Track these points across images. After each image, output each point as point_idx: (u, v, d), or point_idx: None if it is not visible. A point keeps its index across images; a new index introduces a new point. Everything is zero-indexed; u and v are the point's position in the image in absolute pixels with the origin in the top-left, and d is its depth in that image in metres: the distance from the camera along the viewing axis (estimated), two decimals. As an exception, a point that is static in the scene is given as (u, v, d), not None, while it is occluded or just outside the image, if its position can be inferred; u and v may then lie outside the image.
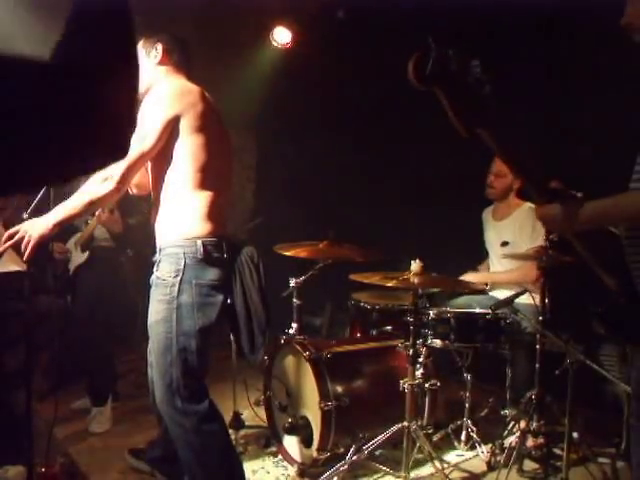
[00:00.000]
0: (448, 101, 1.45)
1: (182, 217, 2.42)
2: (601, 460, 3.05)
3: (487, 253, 4.02)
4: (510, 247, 3.64)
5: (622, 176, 1.83)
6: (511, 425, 3.31)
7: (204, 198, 2.41)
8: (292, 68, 5.61)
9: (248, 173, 6.25)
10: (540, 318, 3.06)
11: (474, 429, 3.32)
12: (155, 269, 2.45)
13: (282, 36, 5.64)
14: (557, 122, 4.16)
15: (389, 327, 3.51)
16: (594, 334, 3.60)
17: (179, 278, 2.37)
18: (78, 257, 3.74)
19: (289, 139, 5.81)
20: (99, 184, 2.34)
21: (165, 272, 2.39)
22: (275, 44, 5.67)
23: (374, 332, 3.56)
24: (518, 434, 3.10)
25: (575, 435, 3.05)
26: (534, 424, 3.08)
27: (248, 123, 6.11)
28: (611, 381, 3.12)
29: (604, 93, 3.60)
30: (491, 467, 3.12)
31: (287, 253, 3.25)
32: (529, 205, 3.73)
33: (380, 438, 2.93)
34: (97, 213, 3.45)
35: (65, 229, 2.86)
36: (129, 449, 3.11)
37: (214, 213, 2.43)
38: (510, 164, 1.70)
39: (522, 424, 3.17)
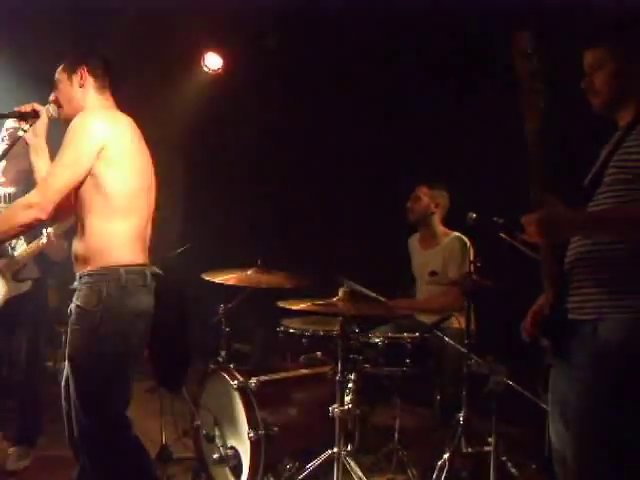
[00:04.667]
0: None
1: (104, 245, 2.35)
2: (526, 476, 3.13)
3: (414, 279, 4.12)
4: (438, 277, 3.72)
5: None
6: (441, 447, 3.34)
7: (126, 226, 2.36)
8: (223, 93, 5.63)
9: (177, 199, 6.17)
10: (465, 341, 3.12)
11: (405, 452, 3.34)
12: (75, 298, 2.37)
13: (213, 62, 5.66)
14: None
15: (319, 353, 3.50)
16: (518, 354, 3.72)
17: (100, 307, 2.29)
18: (11, 287, 3.49)
19: (219, 165, 5.79)
20: (21, 210, 2.26)
21: (86, 301, 2.31)
22: (206, 69, 5.68)
23: (303, 358, 3.55)
24: (447, 456, 3.14)
25: (501, 454, 3.12)
26: (462, 445, 3.12)
27: (178, 148, 6.05)
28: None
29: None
30: (422, 489, 3.14)
31: (216, 280, 3.21)
32: (456, 234, 3.84)
33: (310, 466, 2.91)
34: (42, 240, 3.30)
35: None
36: None
37: (137, 241, 2.38)
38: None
39: (451, 445, 3.21)
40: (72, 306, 2.37)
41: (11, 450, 3.48)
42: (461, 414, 3.11)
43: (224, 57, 5.62)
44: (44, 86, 2.68)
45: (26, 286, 3.47)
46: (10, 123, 3.18)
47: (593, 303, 1.86)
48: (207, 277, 3.23)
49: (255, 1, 4.62)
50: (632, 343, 1.79)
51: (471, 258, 3.52)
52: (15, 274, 3.47)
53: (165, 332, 2.45)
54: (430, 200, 3.93)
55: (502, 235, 3.10)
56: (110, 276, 2.31)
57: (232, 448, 3.03)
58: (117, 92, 2.60)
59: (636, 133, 1.86)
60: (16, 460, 3.44)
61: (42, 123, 2.52)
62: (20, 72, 4.50)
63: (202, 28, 5.15)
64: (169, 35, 4.89)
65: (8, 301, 3.44)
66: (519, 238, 3.06)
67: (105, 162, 2.31)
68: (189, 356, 2.45)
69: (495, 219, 3.12)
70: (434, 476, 3.07)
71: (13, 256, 3.47)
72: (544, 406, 2.95)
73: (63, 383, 2.46)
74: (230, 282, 3.20)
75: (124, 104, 2.57)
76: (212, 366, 3.24)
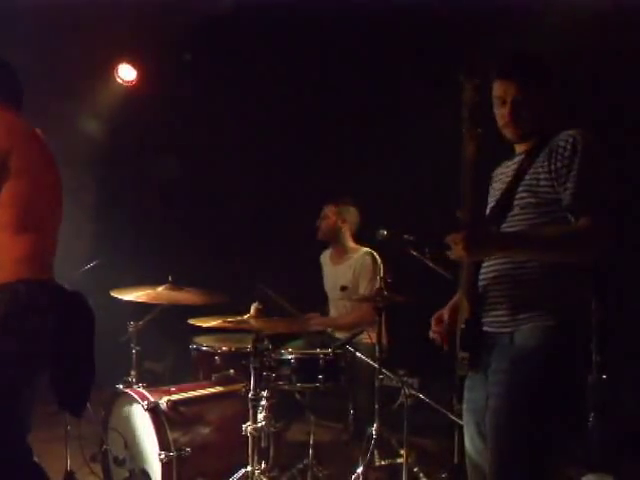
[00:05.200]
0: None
1: (3, 261, 2.24)
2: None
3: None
4: (349, 292, 3.78)
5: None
6: (355, 461, 3.38)
7: (28, 241, 2.26)
8: (136, 106, 5.51)
9: (87, 213, 5.96)
10: (377, 356, 3.18)
11: (319, 468, 3.35)
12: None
13: (127, 73, 5.52)
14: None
15: (231, 371, 3.46)
16: (429, 367, 3.82)
17: None
18: None
19: (131, 179, 5.66)
20: None
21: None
22: (119, 81, 5.53)
23: (216, 377, 3.50)
24: (361, 469, 3.17)
25: (412, 465, 3.19)
26: (376, 458, 3.17)
27: (88, 162, 5.86)
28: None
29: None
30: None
31: (125, 297, 3.13)
32: (366, 250, 3.92)
33: (224, 485, 2.87)
34: None
35: None
36: None
37: (38, 256, 2.28)
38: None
39: (364, 459, 3.25)
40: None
41: None
42: (373, 428, 3.16)
43: (139, 69, 5.51)
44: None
45: None
46: None
47: (510, 317, 1.98)
48: (115, 294, 3.15)
49: (172, 13, 4.58)
50: (545, 346, 1.91)
51: (381, 274, 3.61)
52: None
53: (69, 352, 2.34)
54: (337, 217, 4.02)
55: (412, 252, 3.20)
56: (8, 293, 2.19)
57: (143, 471, 2.95)
58: (19, 101, 2.48)
59: (542, 159, 1.98)
60: None
61: None
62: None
63: (116, 38, 5.03)
64: (80, 44, 4.75)
65: None
66: (428, 255, 3.18)
67: (7, 172, 2.20)
68: (92, 376, 2.35)
69: (406, 236, 3.22)
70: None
71: None
72: (453, 417, 3.05)
73: None
74: (140, 299, 3.13)
75: (30, 115, 2.46)
76: (121, 386, 3.16)
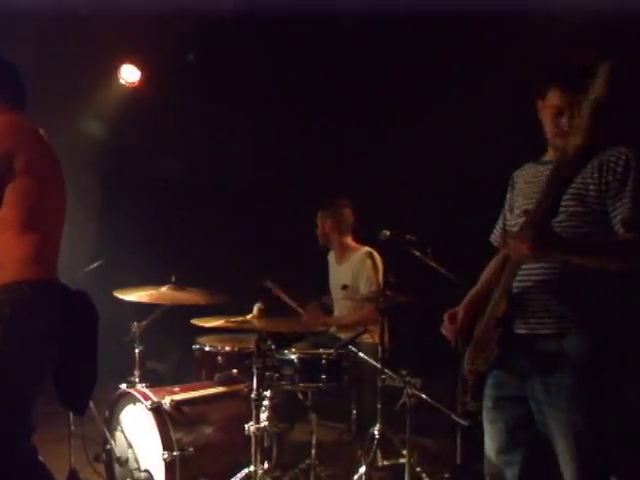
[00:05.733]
0: None
1: (7, 261, 2.24)
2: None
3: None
4: (349, 290, 3.79)
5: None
6: (357, 461, 3.38)
7: (32, 241, 2.26)
8: (139, 107, 5.52)
9: (90, 214, 5.98)
10: (379, 356, 3.18)
11: (321, 468, 3.35)
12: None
13: (130, 74, 5.52)
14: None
15: (234, 371, 3.47)
16: (432, 367, 3.83)
17: (3, 327, 2.18)
18: None
19: (134, 180, 5.67)
20: None
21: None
22: (122, 82, 5.53)
23: (219, 376, 3.50)
24: (364, 470, 3.17)
25: (415, 465, 3.20)
26: (378, 458, 3.18)
27: (91, 162, 5.87)
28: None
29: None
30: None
31: (128, 298, 3.14)
32: (366, 249, 3.93)
33: (226, 485, 2.88)
34: None
35: None
36: None
37: (42, 256, 2.28)
38: None
39: (367, 459, 3.25)
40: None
41: None
42: (376, 428, 3.16)
43: (142, 70, 5.51)
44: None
45: None
46: None
47: (556, 324, 2.03)
48: (119, 294, 3.15)
49: (176, 14, 4.59)
50: (598, 356, 2.00)
51: (382, 273, 3.64)
52: None
53: (73, 352, 2.34)
54: (323, 221, 4.08)
55: (414, 252, 3.21)
56: (13, 293, 2.20)
57: (146, 471, 2.96)
58: (23, 102, 2.49)
59: (591, 171, 2.03)
60: None
61: None
62: None
63: (119, 39, 5.04)
64: (83, 44, 4.76)
65: None
66: (430, 255, 3.19)
67: (12, 173, 2.21)
68: (95, 376, 2.36)
69: (408, 236, 3.23)
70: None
71: None
72: (455, 418, 3.06)
73: None
74: (143, 300, 3.14)
75: (33, 116, 2.46)
76: (125, 386, 3.16)
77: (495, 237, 2.44)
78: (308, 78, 4.89)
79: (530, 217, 1.96)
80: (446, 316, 2.29)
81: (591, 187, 2.02)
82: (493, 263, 2.38)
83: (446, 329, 2.28)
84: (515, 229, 2.15)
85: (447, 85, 4.15)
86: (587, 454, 2.01)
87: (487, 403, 2.19)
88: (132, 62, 5.47)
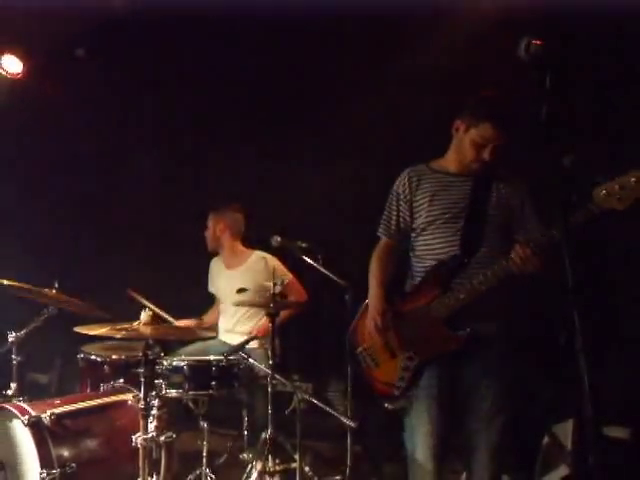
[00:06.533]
0: None
1: None
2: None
3: (213, 302, 4.13)
4: (249, 294, 3.75)
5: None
6: (249, 467, 3.36)
7: None
8: (23, 99, 5.24)
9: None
10: (270, 362, 3.18)
11: (213, 477, 3.31)
12: None
13: (11, 65, 5.25)
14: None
15: (121, 380, 3.35)
16: (321, 372, 3.88)
17: None
18: None
19: (13, 174, 5.36)
20: None
21: None
22: (3, 72, 5.25)
23: (104, 387, 3.37)
24: (256, 475, 3.16)
25: (307, 469, 3.22)
26: (270, 464, 3.17)
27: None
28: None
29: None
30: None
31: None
32: (259, 253, 3.93)
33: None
34: None
35: None
36: None
37: None
38: None
39: (259, 465, 3.24)
40: None
41: None
42: (268, 433, 3.16)
43: (26, 61, 5.23)
44: None
45: None
46: None
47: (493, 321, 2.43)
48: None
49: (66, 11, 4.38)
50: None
51: (278, 273, 3.66)
52: None
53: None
54: (215, 224, 4.06)
55: (305, 258, 3.23)
56: None
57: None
58: None
59: (501, 189, 2.47)
60: None
61: None
62: None
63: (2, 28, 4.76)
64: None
65: None
66: (320, 261, 3.24)
67: None
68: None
69: (299, 243, 3.25)
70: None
71: None
72: (345, 420, 3.12)
73: None
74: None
75: None
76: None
77: (385, 230, 2.63)
78: (200, 77, 4.80)
79: (533, 242, 2.20)
80: (380, 319, 2.52)
81: (503, 202, 2.46)
82: (381, 262, 2.62)
83: (378, 330, 2.52)
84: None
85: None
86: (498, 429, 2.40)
87: (419, 391, 2.46)
88: (14, 53, 5.20)
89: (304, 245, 3.21)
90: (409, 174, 2.56)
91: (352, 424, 3.10)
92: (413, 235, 2.56)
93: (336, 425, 3.63)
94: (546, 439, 3.19)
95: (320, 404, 3.08)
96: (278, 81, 4.39)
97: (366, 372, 2.64)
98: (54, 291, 3.13)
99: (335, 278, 3.15)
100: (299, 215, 4.01)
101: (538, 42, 1.70)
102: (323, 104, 4.17)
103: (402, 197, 2.56)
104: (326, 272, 3.19)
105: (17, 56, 5.18)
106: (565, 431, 3.11)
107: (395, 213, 2.58)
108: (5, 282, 2.99)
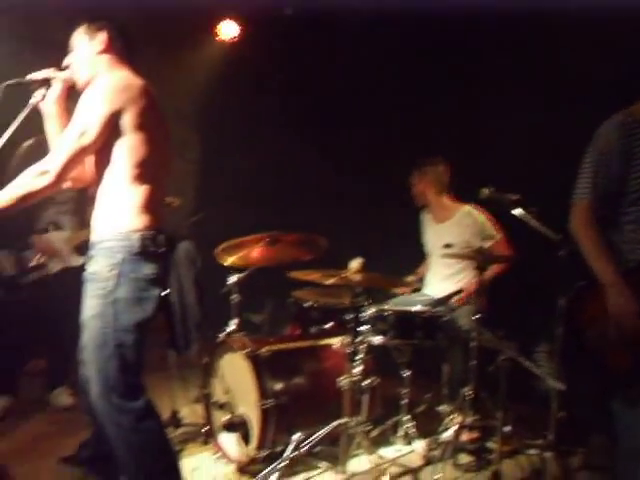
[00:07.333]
0: None
1: (119, 211, 2.36)
2: (531, 452, 3.17)
3: (425, 255, 4.12)
4: (455, 249, 3.71)
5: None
6: (447, 420, 3.37)
7: (141, 192, 2.36)
8: (238, 62, 5.57)
9: (190, 168, 6.14)
10: (476, 316, 3.13)
11: (412, 425, 3.37)
12: (88, 265, 2.38)
13: (229, 30, 5.59)
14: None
15: (329, 325, 3.51)
16: (528, 331, 3.73)
17: (115, 272, 2.31)
18: (69, 258, 3.58)
19: (233, 134, 5.75)
20: (35, 177, 2.26)
21: (100, 266, 2.33)
22: (221, 38, 5.60)
23: (314, 330, 3.56)
24: (454, 429, 3.16)
25: (507, 429, 3.15)
26: (469, 419, 3.15)
27: (192, 117, 6.02)
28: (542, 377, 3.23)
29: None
30: (427, 461, 3.17)
31: (226, 262, 3.24)
32: (467, 208, 3.85)
33: (319, 435, 2.94)
34: None
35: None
36: (60, 458, 2.95)
37: (151, 207, 2.38)
38: None
39: (458, 419, 3.24)
40: (86, 273, 2.39)
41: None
42: (468, 388, 3.14)
43: (240, 25, 5.56)
44: (48, 51, 2.64)
45: (77, 261, 3.53)
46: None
47: None
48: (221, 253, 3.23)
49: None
50: None
51: (487, 230, 3.56)
52: (79, 249, 3.52)
53: (178, 297, 2.45)
54: (419, 181, 4.03)
55: (515, 212, 3.09)
56: (124, 241, 2.32)
57: (242, 415, 3.06)
58: (133, 60, 2.57)
59: None
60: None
61: (55, 90, 2.52)
62: (21, 37, 4.38)
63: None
64: (183, 3, 4.82)
65: (68, 270, 3.54)
66: (534, 215, 3.07)
67: (121, 130, 2.30)
68: (200, 320, 2.46)
69: (510, 195, 3.11)
70: (440, 449, 3.11)
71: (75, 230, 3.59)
72: (552, 383, 2.98)
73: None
74: (238, 263, 3.21)
75: (139, 72, 2.53)
76: (223, 335, 3.25)
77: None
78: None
79: None
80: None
81: None
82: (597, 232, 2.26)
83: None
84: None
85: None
86: None
87: None
88: (231, 18, 5.53)
89: (515, 197, 3.06)
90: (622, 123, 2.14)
91: (559, 386, 2.96)
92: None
93: (540, 387, 3.50)
94: None
95: (527, 364, 2.98)
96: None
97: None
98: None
99: (548, 233, 2.98)
100: (506, 167, 3.84)
101: None
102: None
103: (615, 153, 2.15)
104: (538, 226, 3.02)
105: (233, 20, 5.52)
106: None
107: (590, 180, 2.21)
108: None
